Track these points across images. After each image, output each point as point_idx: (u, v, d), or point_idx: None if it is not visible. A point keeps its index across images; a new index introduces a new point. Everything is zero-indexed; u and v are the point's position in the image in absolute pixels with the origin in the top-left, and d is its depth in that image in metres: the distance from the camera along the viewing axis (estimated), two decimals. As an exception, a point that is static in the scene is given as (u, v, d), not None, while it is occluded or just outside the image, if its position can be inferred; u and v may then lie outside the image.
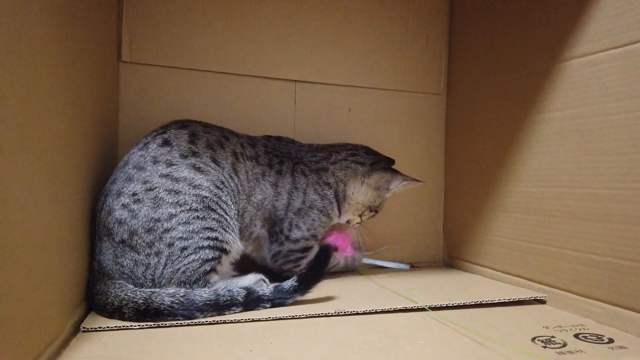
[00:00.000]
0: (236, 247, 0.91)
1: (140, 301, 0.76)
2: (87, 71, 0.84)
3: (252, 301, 0.81)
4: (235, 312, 0.79)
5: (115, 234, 0.82)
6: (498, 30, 1.14)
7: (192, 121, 0.97)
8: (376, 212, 1.16)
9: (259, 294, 0.82)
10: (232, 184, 0.93)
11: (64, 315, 0.69)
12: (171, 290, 0.79)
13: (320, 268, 0.86)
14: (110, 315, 0.77)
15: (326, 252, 0.87)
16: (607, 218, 0.82)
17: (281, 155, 1.06)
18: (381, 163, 1.13)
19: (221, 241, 0.86)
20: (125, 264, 0.82)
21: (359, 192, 1.11)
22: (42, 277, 0.60)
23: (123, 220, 0.82)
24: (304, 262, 1.04)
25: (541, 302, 0.94)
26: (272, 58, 1.21)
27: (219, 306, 0.78)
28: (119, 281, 0.81)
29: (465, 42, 1.29)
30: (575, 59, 0.90)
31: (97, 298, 0.79)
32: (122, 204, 0.82)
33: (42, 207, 0.61)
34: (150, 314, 0.75)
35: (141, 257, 0.82)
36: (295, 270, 1.03)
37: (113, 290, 0.78)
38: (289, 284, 0.85)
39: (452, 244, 1.33)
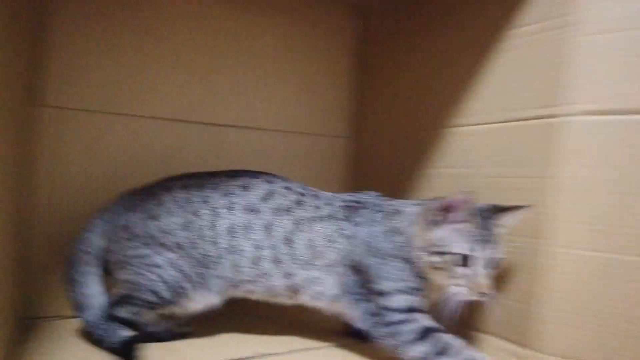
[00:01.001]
0: None
1: None
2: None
3: None
4: None
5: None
6: (407, 81, 1.28)
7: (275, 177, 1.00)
8: (442, 254, 0.85)
9: None
10: None
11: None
12: None
13: None
14: None
15: None
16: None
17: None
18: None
19: None
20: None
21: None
22: None
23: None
24: None
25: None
26: (196, 102, 1.24)
27: None
28: None
29: (372, 89, 1.42)
30: (462, 126, 1.10)
31: None
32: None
33: None
34: None
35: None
36: None
37: None
38: None
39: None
